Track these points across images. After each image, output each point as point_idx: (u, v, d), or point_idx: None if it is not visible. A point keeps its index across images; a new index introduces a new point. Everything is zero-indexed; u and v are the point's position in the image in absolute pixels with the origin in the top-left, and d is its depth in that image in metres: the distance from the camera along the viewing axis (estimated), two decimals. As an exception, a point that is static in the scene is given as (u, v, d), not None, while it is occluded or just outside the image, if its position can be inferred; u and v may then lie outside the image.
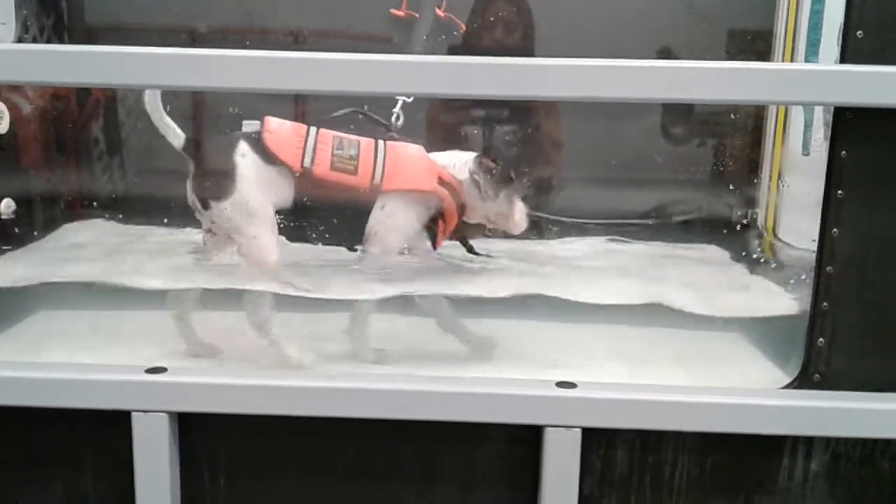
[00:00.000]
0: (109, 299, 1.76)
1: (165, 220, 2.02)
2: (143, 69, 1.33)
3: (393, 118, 1.75)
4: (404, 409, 1.42)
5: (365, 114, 1.72)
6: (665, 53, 2.15)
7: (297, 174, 1.57)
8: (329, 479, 1.50)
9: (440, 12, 2.29)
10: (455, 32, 2.25)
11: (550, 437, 1.40)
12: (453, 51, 2.26)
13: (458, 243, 1.77)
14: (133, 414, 1.41)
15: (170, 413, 1.42)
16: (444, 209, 1.66)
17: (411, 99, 1.77)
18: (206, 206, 1.58)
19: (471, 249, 1.76)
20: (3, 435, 1.48)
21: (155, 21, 2.27)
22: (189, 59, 1.34)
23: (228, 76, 1.34)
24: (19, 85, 2.04)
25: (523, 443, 1.43)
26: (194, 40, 2.25)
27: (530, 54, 2.18)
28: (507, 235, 1.76)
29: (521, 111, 2.16)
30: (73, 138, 2.36)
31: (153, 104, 1.56)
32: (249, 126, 1.60)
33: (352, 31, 2.27)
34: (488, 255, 1.76)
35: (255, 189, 1.57)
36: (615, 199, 2.21)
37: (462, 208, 1.68)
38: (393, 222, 1.63)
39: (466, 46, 2.24)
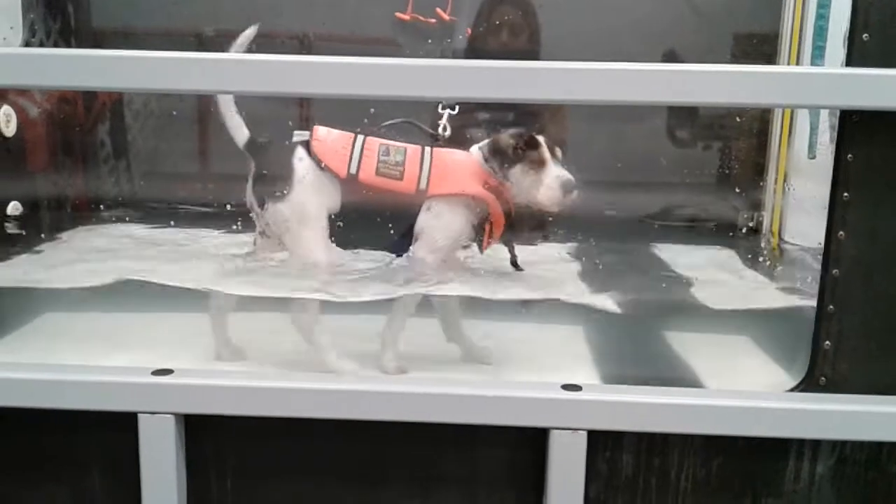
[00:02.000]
0: (115, 302, 1.77)
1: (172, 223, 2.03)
2: (150, 73, 1.33)
3: (440, 129, 1.74)
4: (410, 412, 1.42)
5: (415, 124, 1.73)
6: (671, 56, 2.15)
7: (343, 180, 1.58)
8: (334, 480, 1.50)
9: (445, 15, 2.29)
10: (461, 36, 2.26)
11: (556, 439, 1.40)
12: (459, 54, 2.27)
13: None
14: (140, 415, 1.41)
15: (176, 415, 1.42)
16: (491, 213, 1.64)
17: (456, 110, 1.76)
18: (262, 206, 1.59)
19: (514, 259, 1.73)
20: (11, 436, 1.48)
21: (161, 25, 2.28)
22: (196, 64, 1.34)
23: (235, 80, 1.34)
24: (26, 89, 2.05)
25: (529, 445, 1.43)
26: (201, 44, 2.26)
27: (535, 57, 2.19)
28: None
29: (524, 114, 2.16)
30: (80, 141, 2.37)
31: (224, 96, 1.56)
32: (299, 136, 1.61)
33: (357, 34, 2.28)
34: (521, 269, 1.73)
35: (311, 193, 1.58)
36: (619, 200, 2.21)
37: (509, 213, 1.66)
38: (439, 224, 1.63)
39: (472, 49, 2.24)
